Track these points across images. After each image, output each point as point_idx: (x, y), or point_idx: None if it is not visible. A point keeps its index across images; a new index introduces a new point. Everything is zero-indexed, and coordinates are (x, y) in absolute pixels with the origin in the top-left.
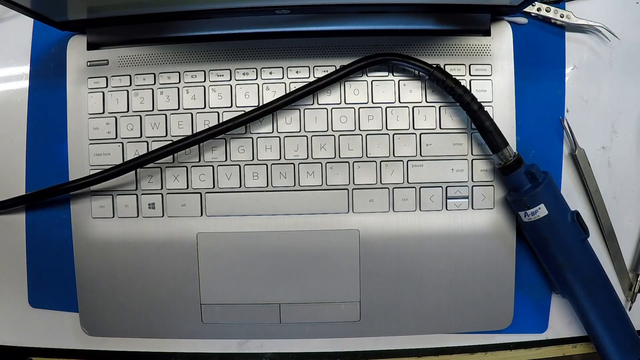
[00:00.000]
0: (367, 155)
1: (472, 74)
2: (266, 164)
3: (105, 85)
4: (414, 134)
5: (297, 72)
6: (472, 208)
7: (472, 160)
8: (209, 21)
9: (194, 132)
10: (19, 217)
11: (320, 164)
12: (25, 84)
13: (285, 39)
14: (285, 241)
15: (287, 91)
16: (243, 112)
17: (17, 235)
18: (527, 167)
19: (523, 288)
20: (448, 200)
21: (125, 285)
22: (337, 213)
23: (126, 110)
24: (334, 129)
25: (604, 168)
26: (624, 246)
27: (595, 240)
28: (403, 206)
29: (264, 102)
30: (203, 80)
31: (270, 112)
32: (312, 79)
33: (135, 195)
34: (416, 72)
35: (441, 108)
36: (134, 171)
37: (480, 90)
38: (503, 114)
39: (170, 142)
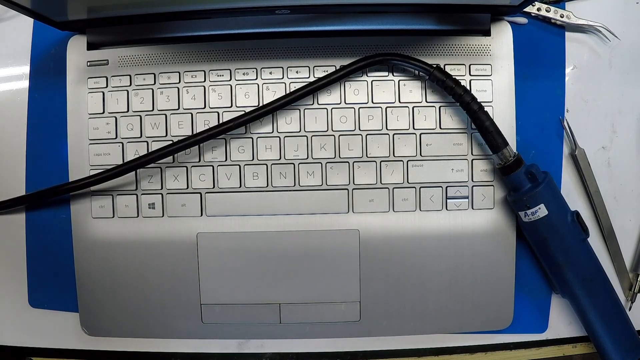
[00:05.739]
0: (367, 155)
1: (472, 74)
2: (266, 164)
3: (105, 85)
4: (414, 134)
5: (297, 72)
6: (472, 208)
7: (472, 160)
8: (209, 21)
9: (194, 132)
10: (19, 217)
11: (320, 164)
12: (25, 84)
13: (285, 39)
14: (285, 241)
15: (287, 91)
16: (243, 112)
17: (17, 235)
18: (527, 167)
19: (523, 288)
20: (448, 200)
21: (125, 285)
22: (337, 213)
23: (126, 110)
24: (334, 129)
25: (604, 168)
26: (624, 246)
27: (595, 240)
28: (403, 206)
29: (264, 102)
30: (203, 80)
31: (270, 112)
32: (312, 79)
33: (135, 195)
34: (416, 72)
35: (441, 108)
36: (134, 171)
37: (480, 90)
38: (503, 114)
39: (171, 142)
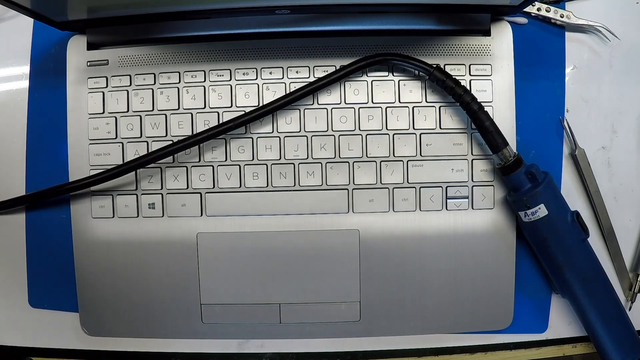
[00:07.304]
0: (367, 155)
1: (472, 74)
2: (266, 164)
3: (105, 85)
4: (414, 134)
5: (297, 72)
6: (472, 208)
7: (472, 160)
8: (209, 21)
9: (194, 132)
10: (19, 217)
11: (320, 164)
12: (25, 84)
13: (285, 39)
14: (285, 241)
15: (287, 91)
16: (243, 112)
17: (17, 235)
18: (527, 167)
19: (523, 288)
20: (448, 200)
21: (125, 285)
22: (337, 213)
23: (126, 110)
24: (334, 129)
25: (604, 168)
26: (624, 246)
27: (595, 240)
28: (403, 206)
29: (264, 102)
30: (203, 80)
31: (270, 112)
32: (312, 79)
33: (135, 195)
34: (416, 72)
35: (441, 108)
36: (134, 171)
37: (480, 90)
38: (503, 114)
39: (171, 142)
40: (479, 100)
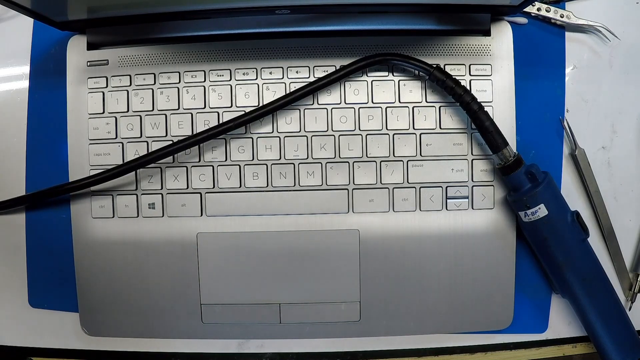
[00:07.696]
0: (367, 155)
1: (472, 74)
2: (266, 164)
3: (105, 85)
4: (414, 134)
5: (297, 72)
6: (472, 208)
7: (472, 160)
8: (209, 21)
9: (194, 132)
10: (19, 217)
11: (320, 164)
12: (25, 84)
13: (285, 39)
14: (286, 241)
15: (287, 91)
16: (243, 112)
17: (17, 235)
18: (527, 167)
19: (523, 288)
20: (448, 200)
21: (125, 285)
22: (337, 213)
23: (126, 110)
24: (334, 129)
25: (604, 168)
26: (624, 246)
27: (595, 240)
28: (403, 206)
29: (264, 102)
30: (203, 80)
31: (270, 112)
32: (312, 79)
33: (135, 195)
34: (416, 72)
35: (441, 108)
36: (134, 171)
37: (480, 90)
38: (503, 114)
39: (171, 142)
40: (479, 100)
